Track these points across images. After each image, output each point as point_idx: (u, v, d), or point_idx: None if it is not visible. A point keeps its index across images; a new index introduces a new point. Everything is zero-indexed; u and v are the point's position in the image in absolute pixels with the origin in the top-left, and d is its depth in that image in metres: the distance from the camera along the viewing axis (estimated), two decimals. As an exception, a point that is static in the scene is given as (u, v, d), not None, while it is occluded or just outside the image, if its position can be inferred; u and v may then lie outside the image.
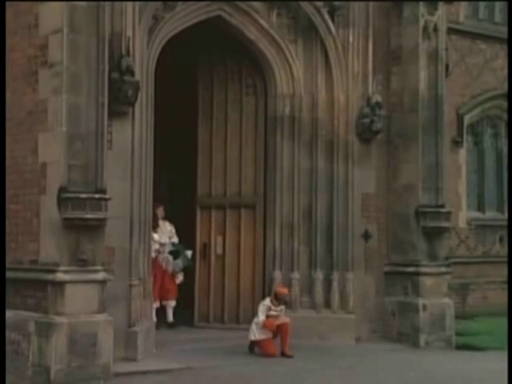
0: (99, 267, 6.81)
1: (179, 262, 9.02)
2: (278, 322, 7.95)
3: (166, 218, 9.29)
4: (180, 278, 9.16)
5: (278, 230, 8.94)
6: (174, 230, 9.12)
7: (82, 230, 6.68)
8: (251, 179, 9.18)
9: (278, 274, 8.88)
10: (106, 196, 6.77)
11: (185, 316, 9.18)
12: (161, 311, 8.95)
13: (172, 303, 9.05)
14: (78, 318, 6.60)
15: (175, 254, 9.04)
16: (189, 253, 9.13)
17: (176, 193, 11.50)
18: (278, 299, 8.03)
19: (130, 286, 7.38)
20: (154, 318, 8.61)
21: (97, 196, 6.71)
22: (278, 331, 7.98)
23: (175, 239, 9.13)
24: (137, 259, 7.50)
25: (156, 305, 8.75)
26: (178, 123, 11.00)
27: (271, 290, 8.47)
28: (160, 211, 9.01)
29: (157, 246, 8.89)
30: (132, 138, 7.45)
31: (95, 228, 6.75)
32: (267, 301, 8.07)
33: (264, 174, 9.13)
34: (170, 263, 8.99)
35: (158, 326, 8.56)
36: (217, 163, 9.25)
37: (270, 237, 9.00)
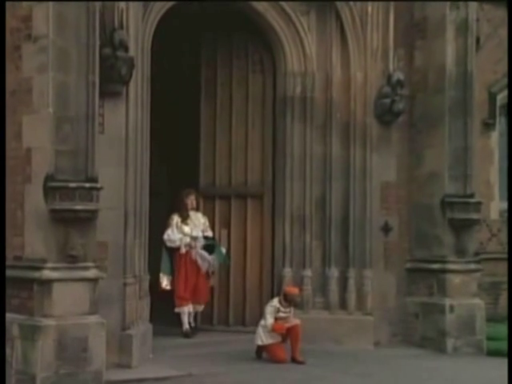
0: (90, 264, 6.79)
1: (214, 259, 8.67)
2: (287, 325, 7.93)
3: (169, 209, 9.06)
4: (212, 281, 8.82)
5: (287, 223, 8.93)
6: (207, 223, 8.82)
7: (72, 222, 6.67)
8: (258, 167, 9.16)
9: (288, 272, 8.88)
10: (98, 185, 6.75)
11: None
12: (179, 317, 8.72)
13: (200, 308, 8.79)
14: (66, 320, 6.59)
15: (210, 249, 8.66)
16: (223, 249, 8.80)
17: (176, 182, 11.48)
18: (287, 299, 8.01)
19: (125, 284, 7.38)
20: (187, 325, 8.58)
21: (87, 185, 6.69)
22: (288, 335, 7.96)
23: (209, 233, 8.79)
24: (132, 255, 7.49)
25: (188, 309, 8.62)
26: (178, 105, 10.99)
27: (280, 290, 8.45)
28: (191, 200, 8.72)
29: (188, 240, 8.60)
30: (126, 120, 7.43)
31: (86, 221, 6.73)
32: (275, 301, 8.05)
33: (272, 161, 9.12)
34: (205, 260, 8.63)
35: (187, 334, 8.53)
36: (221, 149, 9.22)
37: (279, 230, 8.99)
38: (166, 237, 8.67)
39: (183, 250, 8.59)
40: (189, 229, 8.69)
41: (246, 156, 9.17)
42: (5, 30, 6.66)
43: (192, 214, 8.77)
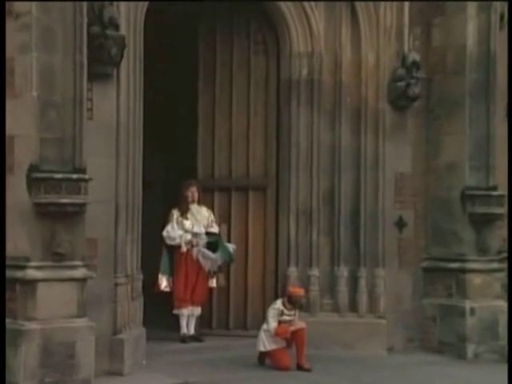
0: (78, 262, 6.77)
1: (217, 257, 8.53)
2: (292, 329, 7.91)
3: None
4: (221, 280, 8.74)
5: (293, 218, 8.91)
6: (212, 217, 8.70)
7: (58, 217, 6.64)
8: (261, 157, 9.14)
9: (293, 271, 8.86)
10: (86, 176, 6.72)
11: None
12: (175, 320, 8.69)
13: (197, 311, 8.71)
14: (52, 324, 6.57)
15: (213, 246, 8.53)
16: (230, 246, 8.66)
17: (171, 173, 11.46)
18: (292, 301, 7.99)
19: (116, 284, 7.37)
20: (185, 330, 8.56)
21: (75, 176, 6.66)
22: (293, 339, 7.94)
23: (214, 228, 8.68)
24: (124, 253, 7.48)
25: (188, 311, 8.60)
26: (174, 89, 10.95)
27: (284, 291, 8.43)
28: (192, 192, 8.58)
29: (189, 237, 8.51)
30: (117, 105, 7.40)
31: (73, 215, 6.71)
32: (279, 303, 8.02)
33: (276, 150, 9.10)
34: (208, 258, 8.51)
35: (184, 339, 8.52)
36: (220, 138, 9.19)
37: (283, 226, 8.97)
38: (165, 233, 8.58)
39: (184, 249, 8.52)
40: (190, 224, 8.59)
41: (248, 145, 9.13)
42: (5, 30, 6.64)
43: (193, 207, 8.67)
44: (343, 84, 8.84)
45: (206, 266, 8.59)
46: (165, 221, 8.72)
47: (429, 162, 9.13)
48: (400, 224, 8.97)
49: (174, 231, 8.54)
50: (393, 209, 8.94)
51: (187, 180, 8.77)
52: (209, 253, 8.53)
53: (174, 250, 8.64)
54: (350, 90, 8.85)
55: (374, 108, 8.83)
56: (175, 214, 8.64)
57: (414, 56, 8.79)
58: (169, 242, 8.58)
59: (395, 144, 8.90)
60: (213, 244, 8.57)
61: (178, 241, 8.55)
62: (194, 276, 8.62)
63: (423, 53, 8.97)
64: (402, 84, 8.76)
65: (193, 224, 8.60)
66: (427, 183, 9.12)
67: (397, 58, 8.82)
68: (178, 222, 8.57)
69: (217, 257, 8.57)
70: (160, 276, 8.54)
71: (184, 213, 8.59)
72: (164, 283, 8.53)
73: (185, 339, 8.61)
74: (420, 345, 8.97)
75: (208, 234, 8.61)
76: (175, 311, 8.65)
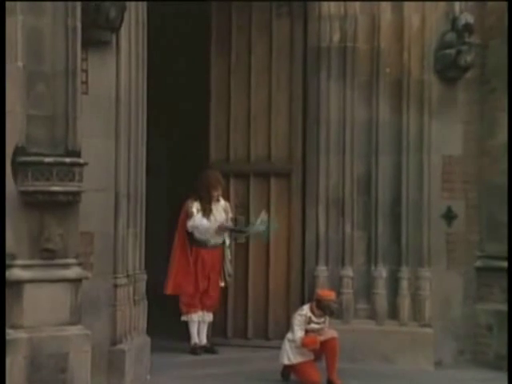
0: (72, 260, 6.78)
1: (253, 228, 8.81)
2: (322, 339, 7.90)
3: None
4: (227, 275, 8.86)
5: (322, 209, 8.92)
6: (229, 212, 8.86)
7: (48, 207, 6.65)
8: (285, 137, 9.16)
9: (322, 271, 8.89)
10: (81, 160, 6.71)
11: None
12: (185, 328, 8.78)
13: (209, 317, 8.83)
14: (41, 333, 6.57)
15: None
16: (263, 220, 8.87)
17: (179, 156, 11.49)
18: (321, 307, 7.97)
19: (116, 286, 7.38)
20: (196, 340, 8.67)
21: (68, 160, 6.65)
22: (323, 351, 7.94)
23: (229, 224, 8.90)
24: (125, 249, 7.50)
25: (198, 317, 8.70)
26: (183, 59, 10.94)
27: (312, 294, 8.43)
28: (218, 193, 8.75)
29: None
30: (117, 78, 7.41)
31: (66, 205, 6.71)
32: (306, 309, 8.01)
33: (303, 129, 9.11)
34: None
35: (195, 350, 8.60)
36: (237, 115, 9.21)
37: (311, 218, 8.98)
38: (197, 222, 8.66)
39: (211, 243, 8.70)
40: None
41: (269, 123, 9.16)
42: (5, 30, 6.65)
43: (215, 208, 8.81)
44: (381, 52, 8.82)
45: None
46: (171, 213, 8.75)
47: (483, 143, 9.10)
48: (448, 216, 8.96)
49: (204, 221, 8.65)
50: (440, 198, 8.92)
51: (213, 172, 8.77)
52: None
53: (185, 246, 8.73)
54: (390, 58, 8.83)
55: (418, 80, 8.80)
56: (196, 207, 8.71)
57: (467, 18, 8.73)
58: (197, 234, 8.67)
59: (443, 122, 8.88)
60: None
61: (207, 236, 8.66)
62: (205, 277, 8.70)
63: (477, 14, 8.90)
64: (451, 51, 8.72)
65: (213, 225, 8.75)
66: (481, 168, 9.10)
67: (446, 21, 8.80)
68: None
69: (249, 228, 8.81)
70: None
71: (206, 214, 8.68)
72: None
73: (196, 350, 8.66)
74: (473, 358, 8.95)
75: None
76: (184, 317, 8.72)
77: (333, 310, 8.02)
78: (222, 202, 8.88)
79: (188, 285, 8.65)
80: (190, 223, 8.69)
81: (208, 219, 8.70)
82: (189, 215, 8.72)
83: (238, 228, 8.91)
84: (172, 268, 8.75)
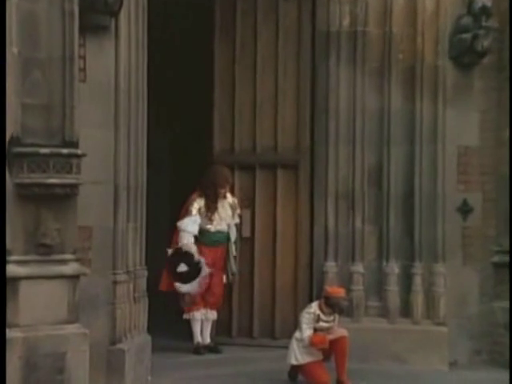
0: (69, 256, 6.76)
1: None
2: (331, 338, 7.90)
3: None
4: (231, 274, 8.88)
5: (331, 202, 8.92)
6: (237, 208, 8.86)
7: (44, 201, 6.64)
8: (292, 127, 9.17)
9: (331, 267, 8.89)
10: (79, 151, 6.70)
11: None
12: (187, 326, 8.78)
13: (213, 315, 8.86)
14: (37, 332, 6.56)
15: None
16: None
17: (181, 147, 11.48)
18: (330, 304, 7.96)
19: (115, 283, 7.37)
20: (199, 339, 8.68)
21: (65, 151, 6.63)
22: (332, 350, 7.94)
23: (235, 220, 8.88)
24: (124, 244, 7.49)
25: (201, 315, 8.73)
26: (185, 44, 10.92)
27: (321, 291, 8.42)
28: (226, 190, 8.74)
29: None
30: (116, 65, 7.39)
31: (63, 198, 6.70)
32: (314, 307, 8.00)
33: (311, 118, 9.11)
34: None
35: (198, 349, 8.62)
36: (242, 105, 9.22)
37: (319, 211, 8.99)
38: (179, 224, 8.64)
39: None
40: (213, 226, 8.76)
41: (276, 112, 9.16)
42: (5, 30, 6.62)
43: (221, 206, 8.81)
44: (394, 37, 8.80)
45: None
46: (173, 206, 8.73)
47: (501, 133, 9.04)
48: (464, 209, 8.97)
49: (193, 226, 8.60)
50: (455, 190, 8.93)
51: (222, 169, 8.75)
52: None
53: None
54: (403, 43, 8.82)
55: (433, 66, 8.79)
56: (199, 205, 8.69)
57: (484, 0, 8.70)
58: (182, 236, 8.59)
59: (458, 110, 8.88)
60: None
61: (187, 242, 8.56)
62: (208, 275, 8.65)
63: (496, -4, 8.95)
64: (467, 36, 8.71)
65: (216, 226, 8.76)
66: (499, 159, 9.05)
67: (462, 4, 8.79)
68: (201, 216, 8.68)
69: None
70: None
71: (211, 212, 8.67)
72: None
73: (199, 350, 8.68)
74: (489, 358, 8.93)
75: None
76: (186, 315, 8.74)
77: (342, 307, 8.01)
78: (230, 198, 8.88)
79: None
80: (178, 223, 8.66)
81: (211, 220, 8.69)
82: (188, 212, 8.71)
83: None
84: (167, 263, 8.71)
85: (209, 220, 8.74)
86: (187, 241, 8.55)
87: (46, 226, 6.63)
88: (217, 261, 8.77)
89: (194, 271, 8.50)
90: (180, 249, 8.56)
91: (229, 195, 8.90)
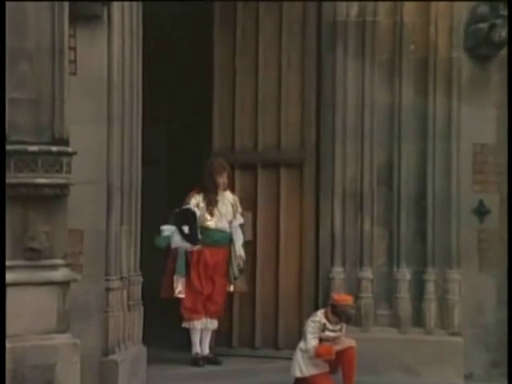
0: (59, 261, 6.76)
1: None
2: (338, 348, 7.90)
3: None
4: (242, 285, 8.88)
5: (338, 203, 8.94)
6: (238, 207, 8.85)
7: (32, 202, 6.64)
8: (296, 123, 9.16)
9: (338, 273, 8.91)
10: (69, 149, 6.70)
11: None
12: (185, 336, 8.79)
13: (213, 324, 8.84)
14: (25, 341, 6.55)
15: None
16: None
17: (179, 145, 11.49)
18: (337, 313, 7.96)
19: (108, 289, 7.41)
20: (198, 349, 8.70)
21: (54, 149, 6.63)
22: (339, 362, 7.94)
23: (238, 220, 8.85)
24: (118, 248, 7.52)
25: (201, 324, 8.73)
26: (183, 37, 10.92)
27: (327, 298, 8.42)
28: (224, 179, 8.74)
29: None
30: (109, 57, 7.42)
31: (53, 200, 6.70)
32: (320, 315, 8.01)
33: (316, 114, 9.11)
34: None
35: (197, 361, 8.62)
36: (243, 100, 9.23)
37: (325, 213, 9.00)
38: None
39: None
40: (214, 223, 8.75)
41: (279, 108, 9.16)
42: (5, 30, 6.64)
43: (220, 196, 8.80)
44: (405, 27, 8.81)
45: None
46: (170, 208, 8.76)
47: (519, 130, 9.09)
48: (480, 211, 8.97)
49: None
50: (471, 191, 8.94)
51: (218, 158, 8.78)
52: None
53: None
54: (415, 34, 8.83)
55: (446, 58, 8.80)
56: (196, 200, 8.69)
57: (502, -12, 8.78)
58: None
59: (474, 106, 8.89)
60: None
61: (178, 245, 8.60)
62: (209, 280, 8.70)
63: (513, -16, 8.95)
64: (484, 25, 8.70)
65: (216, 222, 8.75)
66: (517, 158, 9.09)
67: (477, -8, 8.83)
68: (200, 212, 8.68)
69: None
70: (175, 278, 8.62)
71: (211, 205, 8.67)
72: (179, 287, 8.61)
73: (197, 361, 8.67)
74: (507, 371, 8.72)
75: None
76: (185, 324, 8.73)
77: (350, 316, 8.00)
78: (230, 195, 8.88)
79: (190, 288, 8.62)
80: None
81: (212, 215, 8.70)
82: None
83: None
84: (168, 268, 8.73)
85: (209, 214, 8.71)
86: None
87: (34, 229, 6.63)
88: (218, 264, 8.75)
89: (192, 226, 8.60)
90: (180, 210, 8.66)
91: (229, 192, 8.88)
